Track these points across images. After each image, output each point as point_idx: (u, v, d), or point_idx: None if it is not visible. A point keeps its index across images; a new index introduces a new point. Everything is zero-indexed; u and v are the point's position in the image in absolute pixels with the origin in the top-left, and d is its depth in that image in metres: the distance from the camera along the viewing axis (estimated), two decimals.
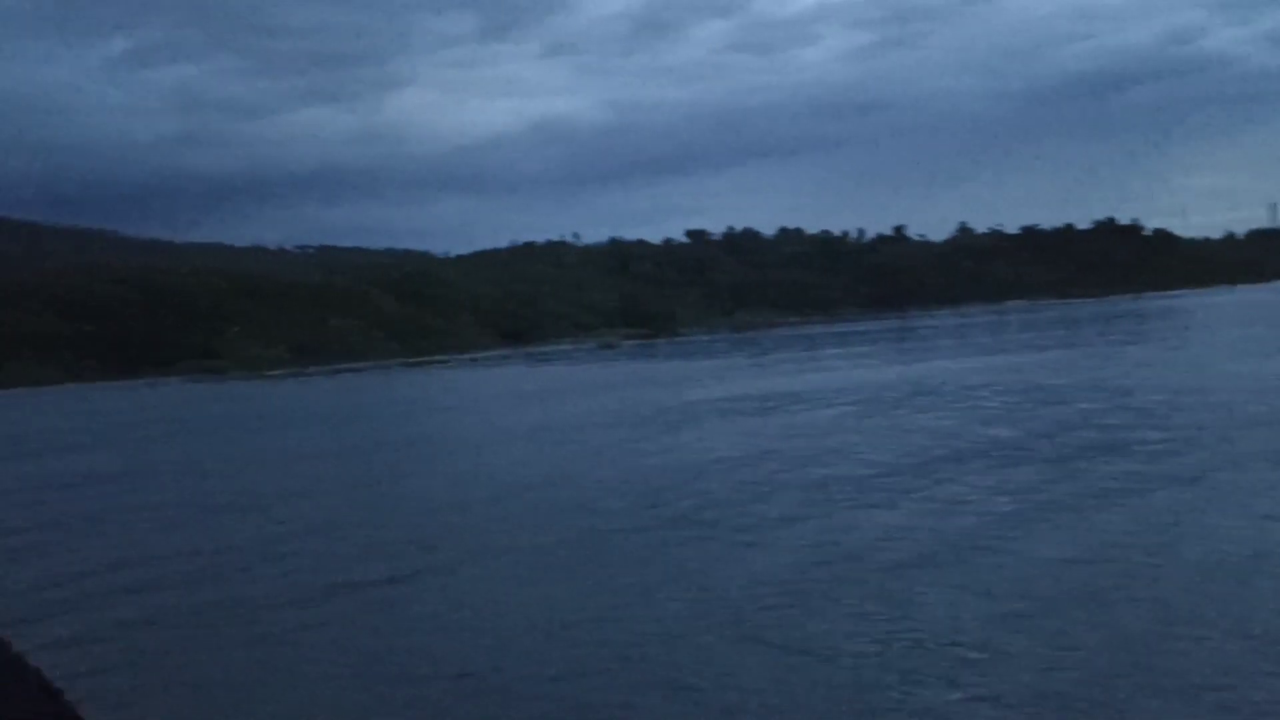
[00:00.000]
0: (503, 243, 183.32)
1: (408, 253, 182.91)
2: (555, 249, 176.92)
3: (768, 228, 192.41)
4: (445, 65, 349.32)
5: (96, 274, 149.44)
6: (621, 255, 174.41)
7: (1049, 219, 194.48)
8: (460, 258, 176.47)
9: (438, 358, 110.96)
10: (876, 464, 19.97)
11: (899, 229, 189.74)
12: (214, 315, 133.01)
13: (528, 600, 12.19)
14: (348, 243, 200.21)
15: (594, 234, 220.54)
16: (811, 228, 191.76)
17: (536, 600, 12.13)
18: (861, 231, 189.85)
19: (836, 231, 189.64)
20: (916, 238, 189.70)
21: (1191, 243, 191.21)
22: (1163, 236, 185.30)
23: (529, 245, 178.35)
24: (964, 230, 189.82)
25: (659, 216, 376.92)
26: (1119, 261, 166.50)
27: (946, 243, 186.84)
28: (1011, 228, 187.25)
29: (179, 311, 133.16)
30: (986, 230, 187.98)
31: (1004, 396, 30.48)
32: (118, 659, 10.94)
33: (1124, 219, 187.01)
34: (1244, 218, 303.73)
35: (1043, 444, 20.94)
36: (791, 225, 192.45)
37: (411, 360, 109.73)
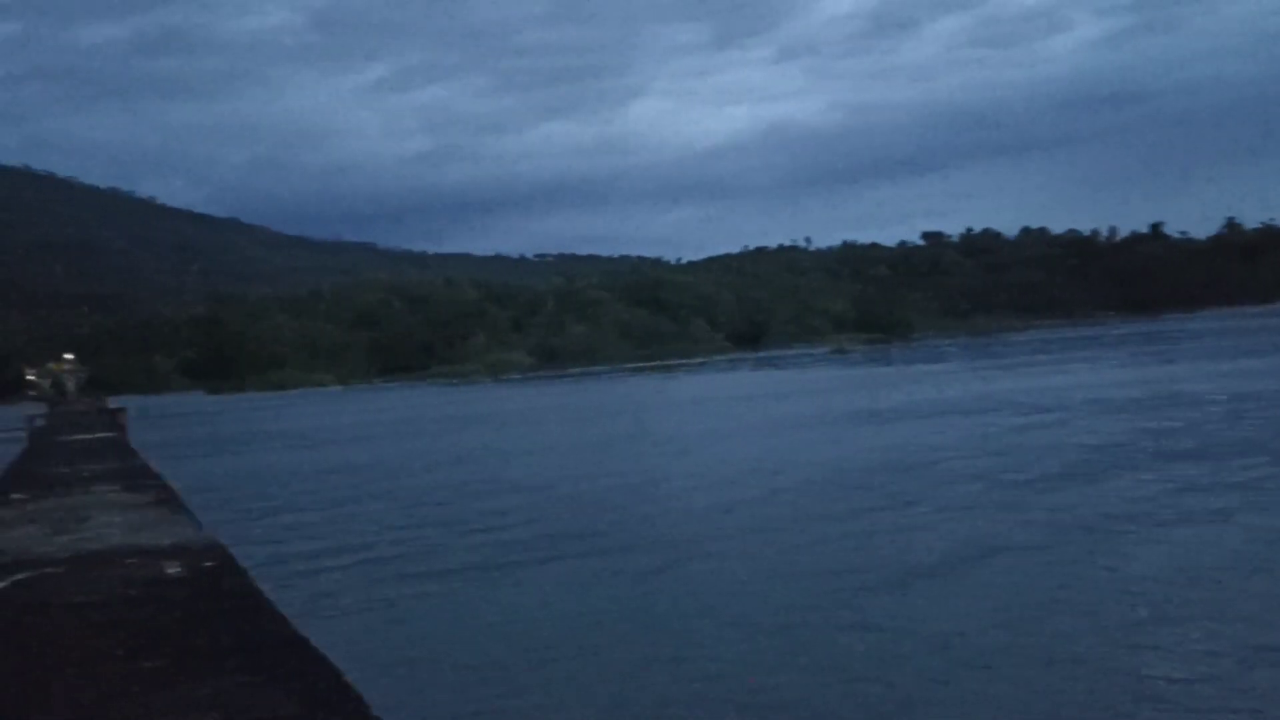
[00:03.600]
0: (734, 248, 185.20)
1: (641, 259, 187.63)
2: (787, 253, 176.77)
3: (1009, 228, 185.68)
4: (678, 74, 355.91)
5: (361, 285, 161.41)
6: (854, 259, 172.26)
7: None
8: (692, 263, 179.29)
9: (669, 362, 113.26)
10: (1081, 463, 19.76)
11: (1155, 226, 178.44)
12: (462, 322, 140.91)
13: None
14: (584, 250, 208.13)
15: (826, 237, 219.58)
16: (1057, 227, 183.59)
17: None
18: (1113, 230, 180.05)
19: (1085, 231, 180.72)
20: (1175, 235, 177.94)
21: None
22: None
23: (760, 250, 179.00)
24: (1231, 226, 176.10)
25: (893, 219, 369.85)
26: None
27: (1210, 240, 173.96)
28: None
29: (431, 319, 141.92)
30: (1257, 225, 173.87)
31: (1239, 404, 28.70)
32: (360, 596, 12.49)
33: None
34: None
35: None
36: (1035, 225, 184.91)
37: (643, 365, 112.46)
